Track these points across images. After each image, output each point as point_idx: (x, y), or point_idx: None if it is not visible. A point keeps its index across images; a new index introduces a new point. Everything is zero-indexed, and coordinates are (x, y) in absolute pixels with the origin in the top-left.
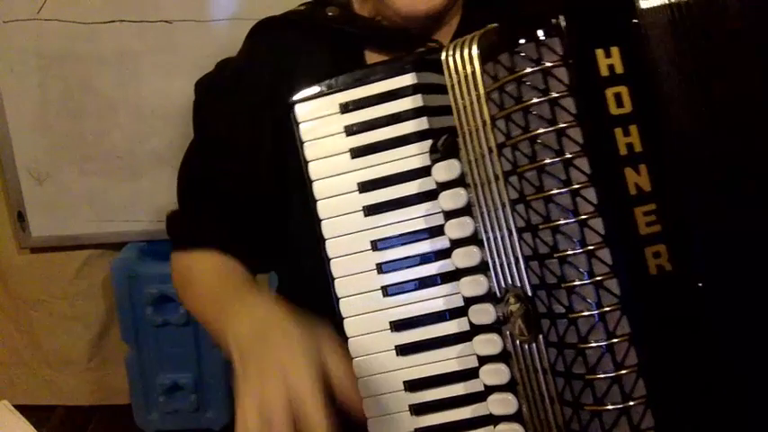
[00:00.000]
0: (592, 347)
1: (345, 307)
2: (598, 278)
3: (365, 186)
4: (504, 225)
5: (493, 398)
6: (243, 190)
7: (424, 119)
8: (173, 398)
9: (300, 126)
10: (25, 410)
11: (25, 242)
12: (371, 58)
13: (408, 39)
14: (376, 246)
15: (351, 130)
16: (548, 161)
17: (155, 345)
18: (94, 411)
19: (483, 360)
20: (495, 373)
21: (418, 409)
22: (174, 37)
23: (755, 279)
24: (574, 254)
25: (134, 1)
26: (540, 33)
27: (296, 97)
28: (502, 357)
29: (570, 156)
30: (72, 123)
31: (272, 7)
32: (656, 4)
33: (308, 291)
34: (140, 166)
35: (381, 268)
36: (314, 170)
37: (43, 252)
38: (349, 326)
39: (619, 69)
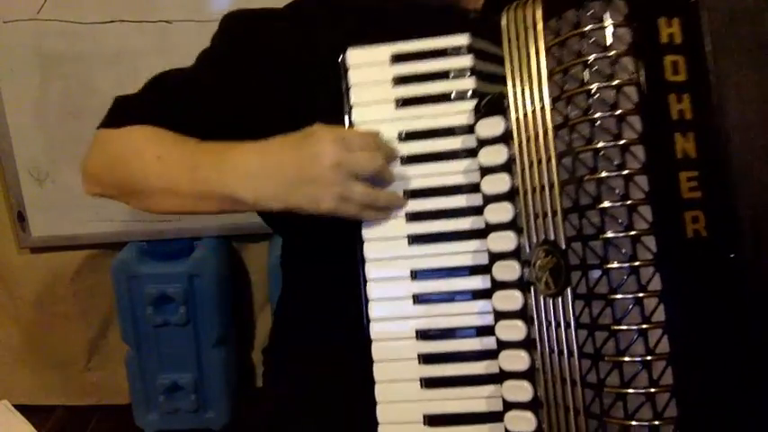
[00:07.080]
0: (621, 299)
1: (373, 281)
2: (637, 232)
3: (407, 136)
4: (546, 178)
5: (508, 384)
6: (224, 111)
7: (473, 78)
8: (173, 398)
9: (350, 71)
10: (25, 410)
11: (25, 242)
12: None
13: (448, 11)
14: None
15: (399, 80)
16: (601, 115)
17: (155, 345)
18: (94, 411)
19: (499, 315)
20: (515, 359)
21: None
22: (174, 37)
23: None
24: (616, 206)
25: (134, 1)
26: None
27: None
28: (519, 315)
29: (624, 112)
30: (72, 123)
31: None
32: None
33: (322, 249)
34: None
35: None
36: (357, 115)
37: (43, 252)
38: (373, 309)
39: (678, 39)
